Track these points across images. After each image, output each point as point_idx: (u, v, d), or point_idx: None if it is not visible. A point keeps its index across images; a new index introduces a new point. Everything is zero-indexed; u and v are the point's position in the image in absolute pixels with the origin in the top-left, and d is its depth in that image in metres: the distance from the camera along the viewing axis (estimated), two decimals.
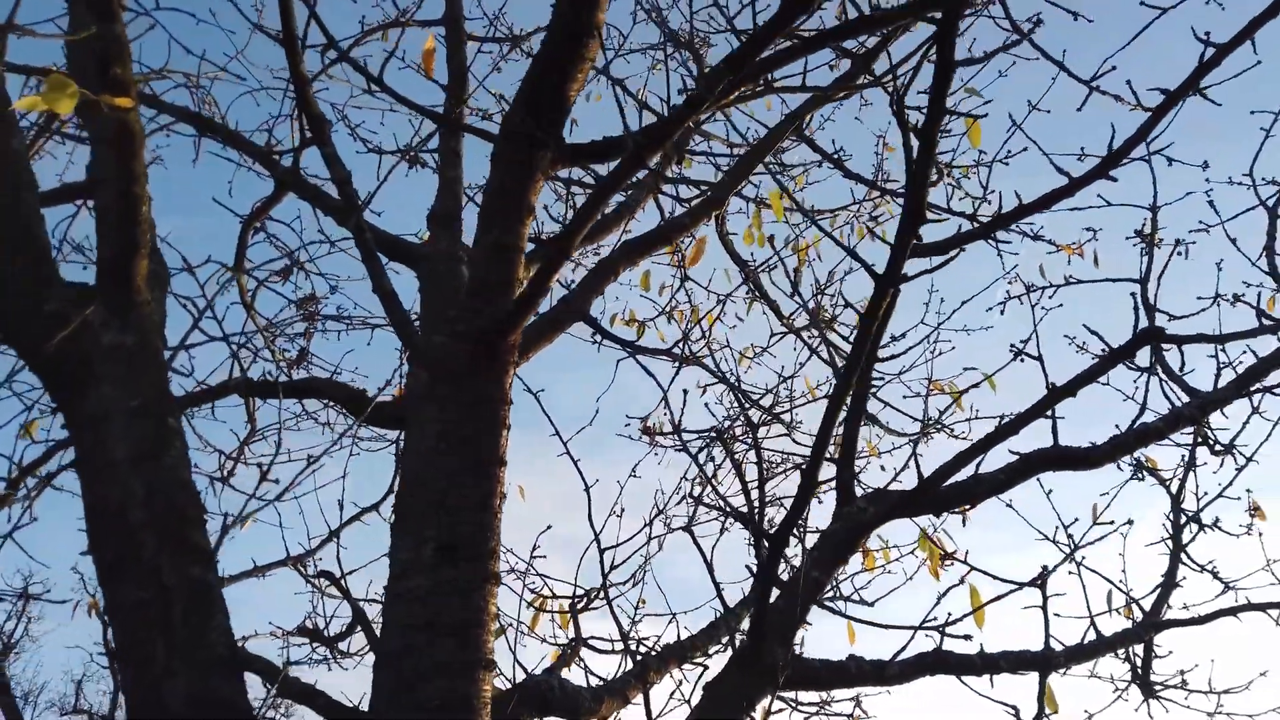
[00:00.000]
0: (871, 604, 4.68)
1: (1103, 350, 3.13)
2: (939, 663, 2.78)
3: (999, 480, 2.80)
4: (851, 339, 2.46)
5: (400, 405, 3.49)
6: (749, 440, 4.93)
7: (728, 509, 2.74)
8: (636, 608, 4.29)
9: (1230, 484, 3.87)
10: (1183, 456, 3.91)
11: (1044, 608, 3.09)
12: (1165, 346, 2.86)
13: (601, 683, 3.68)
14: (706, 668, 4.32)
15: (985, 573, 3.04)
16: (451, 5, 4.62)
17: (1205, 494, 3.82)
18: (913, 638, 2.74)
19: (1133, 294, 3.28)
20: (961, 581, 2.87)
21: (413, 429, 3.26)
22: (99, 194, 3.12)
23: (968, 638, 2.74)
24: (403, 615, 2.72)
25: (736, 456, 5.06)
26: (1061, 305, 3.12)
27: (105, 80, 2.35)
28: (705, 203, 3.86)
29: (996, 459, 2.88)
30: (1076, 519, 3.31)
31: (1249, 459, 3.79)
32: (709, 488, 5.21)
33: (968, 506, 2.82)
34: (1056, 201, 2.56)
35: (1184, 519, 3.89)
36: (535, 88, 2.63)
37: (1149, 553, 3.45)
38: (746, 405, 4.16)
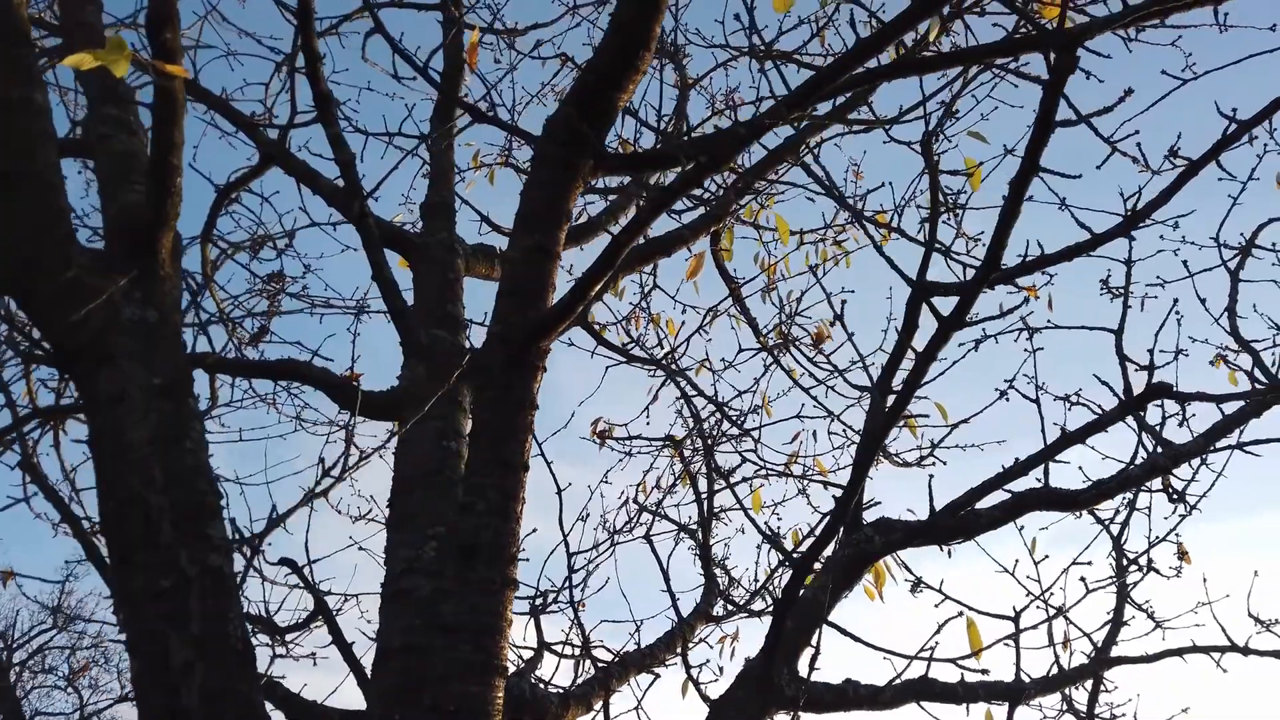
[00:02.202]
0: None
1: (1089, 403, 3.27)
2: (926, 690, 2.86)
3: (995, 517, 2.89)
4: (879, 380, 2.50)
5: (394, 396, 3.42)
6: (703, 449, 4.99)
7: (758, 528, 2.75)
8: (575, 615, 4.28)
9: (1173, 530, 4.08)
10: (1124, 499, 4.10)
11: (1016, 641, 3.20)
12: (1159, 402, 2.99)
13: (566, 689, 3.68)
14: (659, 676, 4.39)
15: (962, 604, 3.14)
16: None
17: (1155, 536, 4.00)
18: (910, 664, 2.82)
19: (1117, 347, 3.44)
20: (959, 615, 2.95)
21: (411, 423, 3.21)
22: (98, 155, 3.00)
23: (985, 671, 2.83)
24: (407, 614, 2.68)
25: (691, 466, 5.14)
26: (1042, 349, 3.22)
27: (156, 45, 2.26)
28: (705, 218, 3.88)
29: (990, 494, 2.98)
30: (1047, 556, 3.43)
31: (1191, 508, 3.99)
32: (665, 496, 5.26)
33: (963, 540, 2.90)
34: (1077, 254, 2.66)
35: (1125, 561, 4.08)
36: (587, 92, 2.61)
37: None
38: (729, 421, 4.16)
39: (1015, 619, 3.23)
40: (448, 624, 2.44)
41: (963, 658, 2.81)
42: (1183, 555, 4.47)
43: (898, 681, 2.81)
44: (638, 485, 5.23)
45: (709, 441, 4.94)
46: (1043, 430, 3.01)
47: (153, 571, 2.17)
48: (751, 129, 2.32)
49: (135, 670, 2.13)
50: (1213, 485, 3.87)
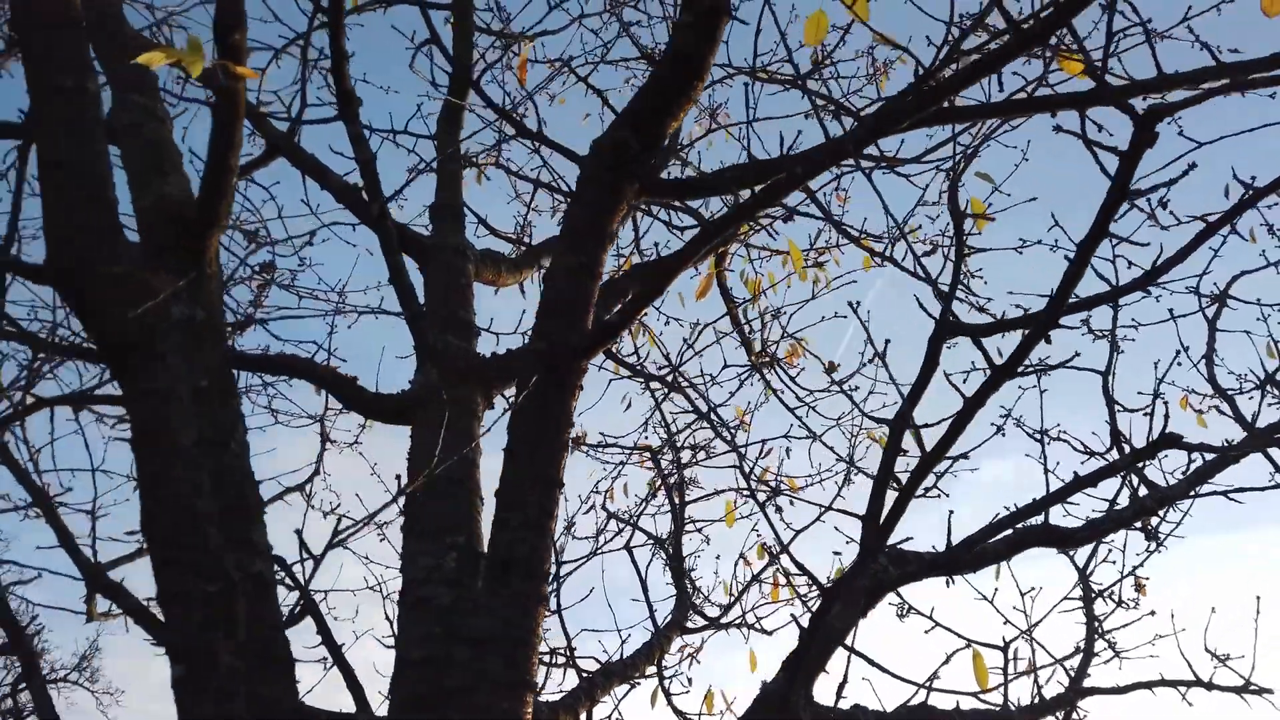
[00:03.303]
0: (771, 633, 4.88)
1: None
2: (926, 716, 2.94)
3: (999, 551, 2.99)
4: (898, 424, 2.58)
5: (405, 400, 3.40)
6: (675, 462, 5.05)
7: (787, 553, 2.80)
8: (562, 624, 4.31)
9: (1140, 564, 4.25)
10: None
11: (1004, 671, 3.31)
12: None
13: (554, 700, 3.70)
14: (634, 686, 4.44)
15: (957, 633, 3.23)
16: None
17: (1125, 568, 4.16)
18: (917, 692, 2.91)
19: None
20: (968, 645, 3.04)
21: (427, 429, 3.20)
22: (125, 143, 2.94)
23: (976, 694, 2.93)
24: (428, 623, 2.67)
25: (669, 478, 5.19)
26: (1047, 390, 3.33)
27: (223, 46, 2.23)
28: (714, 239, 3.92)
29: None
30: (1034, 587, 3.56)
31: (1160, 544, 4.17)
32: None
33: (969, 572, 2.99)
34: (1097, 305, 2.77)
35: (1092, 594, 4.25)
36: (639, 117, 2.64)
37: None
38: (722, 439, 4.23)
39: (1004, 649, 3.35)
40: (478, 637, 2.45)
41: (978, 693, 2.91)
42: (1139, 588, 4.66)
43: (902, 709, 2.89)
44: (605, 492, 5.27)
45: (679, 452, 5.01)
46: (1045, 469, 3.12)
47: (199, 576, 2.15)
48: (809, 167, 2.37)
49: (177, 675, 2.11)
50: (1179, 524, 4.05)
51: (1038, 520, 3.05)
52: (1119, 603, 4.18)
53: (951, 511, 2.84)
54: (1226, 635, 3.89)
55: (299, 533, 1.94)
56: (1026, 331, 2.20)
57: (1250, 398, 4.13)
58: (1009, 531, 3.08)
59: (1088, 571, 4.29)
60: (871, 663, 2.71)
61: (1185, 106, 1.88)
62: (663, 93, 2.62)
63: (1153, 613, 4.32)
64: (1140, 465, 3.15)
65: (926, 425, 2.97)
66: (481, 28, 4.65)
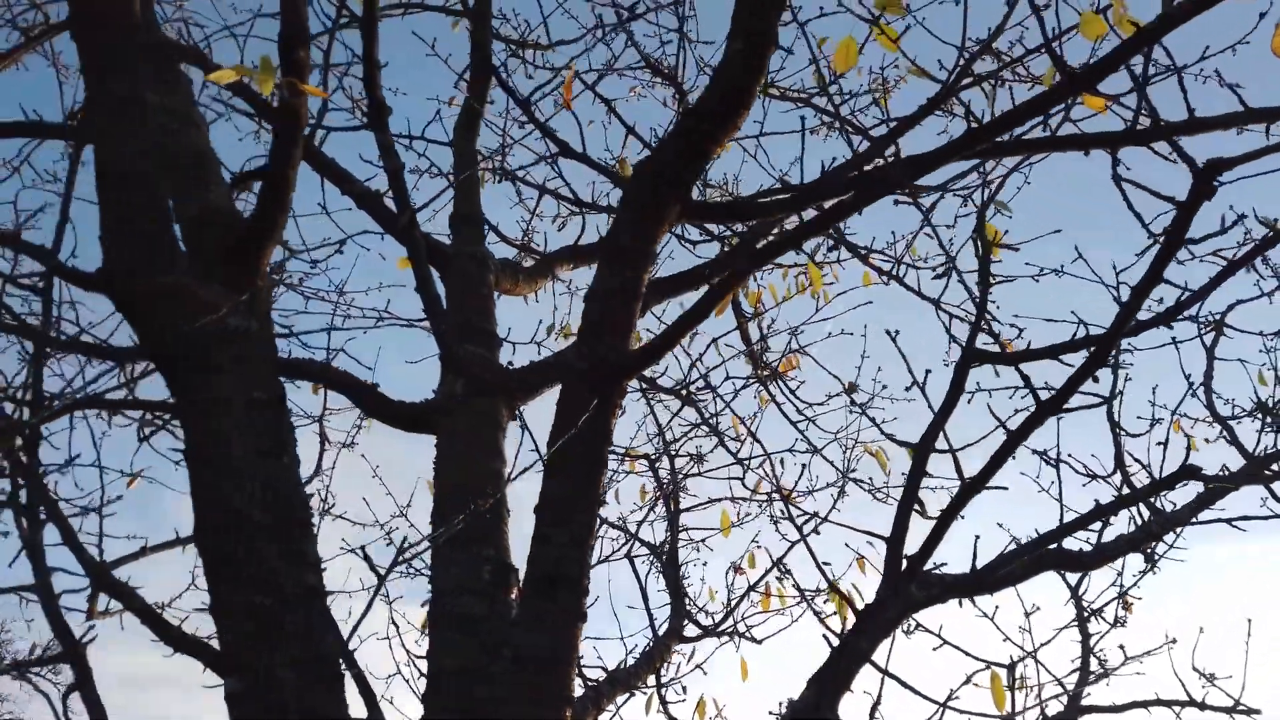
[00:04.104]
0: (760, 641, 4.95)
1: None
2: None
3: (1017, 573, 3.07)
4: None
5: (425, 408, 3.42)
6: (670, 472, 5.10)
7: (825, 576, 2.85)
8: None
9: (1134, 584, 4.36)
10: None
11: (1011, 689, 3.39)
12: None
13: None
14: (633, 694, 4.48)
15: (966, 652, 3.31)
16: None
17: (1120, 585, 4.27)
18: (940, 712, 2.97)
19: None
20: (987, 666, 3.11)
21: (454, 439, 3.22)
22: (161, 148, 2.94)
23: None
24: (462, 635, 2.70)
25: (665, 487, 5.24)
26: (1063, 417, 3.42)
27: (288, 63, 2.25)
28: (733, 254, 3.97)
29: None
30: (1036, 606, 3.64)
31: (1153, 564, 4.28)
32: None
33: (988, 594, 3.07)
34: (1121, 337, 2.86)
35: (1086, 613, 4.35)
36: (683, 139, 2.68)
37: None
38: (727, 450, 4.28)
39: (1011, 668, 3.43)
40: (520, 652, 2.48)
41: (1001, 718, 2.98)
42: (1126, 606, 4.78)
43: None
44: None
45: (674, 460, 5.06)
46: (1060, 494, 3.21)
47: (253, 588, 2.16)
48: (861, 196, 2.42)
49: (232, 689, 2.12)
50: (1171, 546, 4.17)
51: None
52: (1112, 624, 4.29)
53: (978, 536, 2.91)
54: (1227, 638, 3.99)
55: (363, 549, 1.96)
56: (1074, 368, 2.27)
57: (1241, 423, 4.29)
58: (1029, 557, 3.16)
59: (1080, 590, 4.41)
60: (902, 683, 2.77)
61: (1244, 161, 1.95)
62: (709, 117, 2.66)
63: (1124, 621, 4.44)
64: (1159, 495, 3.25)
65: (956, 449, 3.06)
66: (498, 34, 4.69)
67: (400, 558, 1.92)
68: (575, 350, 2.74)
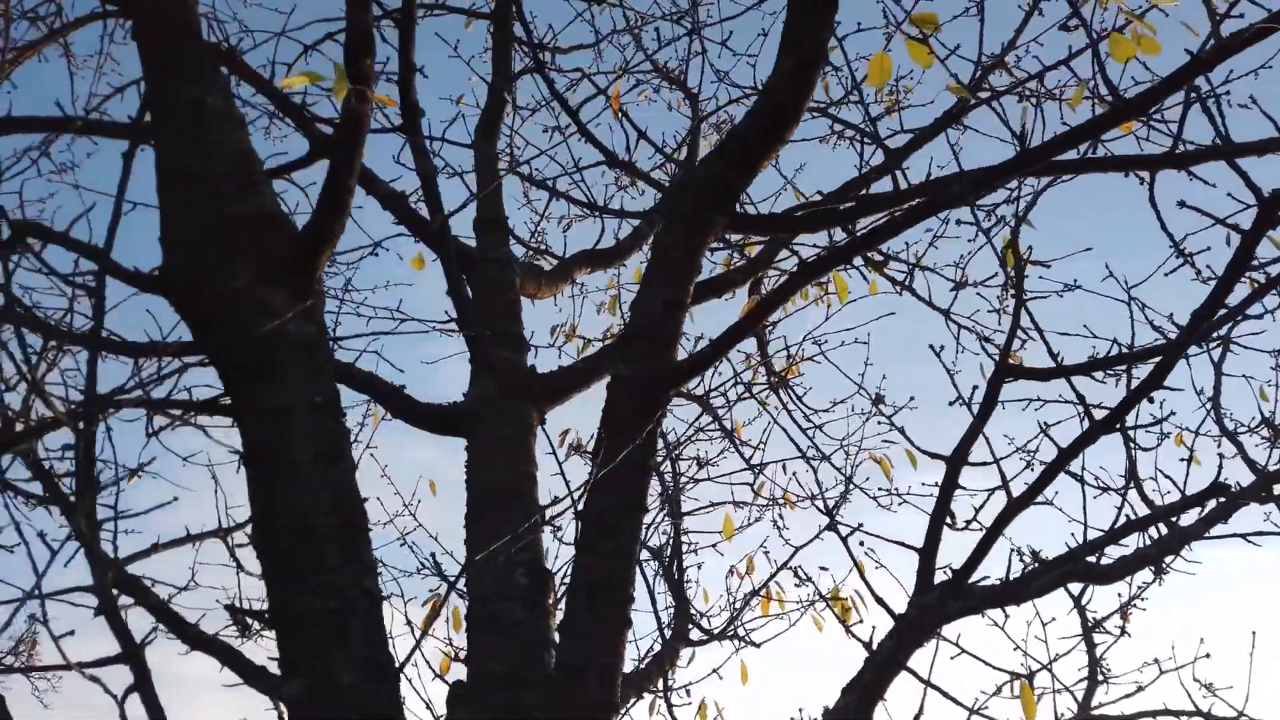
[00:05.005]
0: (759, 645, 4.99)
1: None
2: None
3: (1043, 585, 3.12)
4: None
5: (454, 411, 3.42)
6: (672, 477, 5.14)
7: (868, 587, 2.90)
8: None
9: (1138, 595, 4.44)
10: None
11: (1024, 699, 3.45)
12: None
13: None
14: (640, 698, 4.51)
15: (989, 664, 3.36)
16: (502, 3, 4.55)
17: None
18: (970, 718, 3.03)
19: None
20: (1014, 678, 3.16)
21: (486, 442, 3.23)
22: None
23: None
24: (502, 641, 2.71)
25: (668, 490, 5.27)
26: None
27: (354, 71, 2.26)
28: (753, 264, 4.01)
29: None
30: (1054, 618, 3.71)
31: (1158, 575, 4.36)
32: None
33: (1015, 605, 3.12)
34: (1147, 358, 2.92)
35: (1091, 623, 4.43)
36: (732, 153, 2.72)
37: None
38: (741, 456, 4.32)
39: (1029, 678, 3.49)
40: (567, 660, 2.50)
41: None
42: (1125, 616, 4.86)
43: None
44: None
45: (676, 467, 5.09)
46: (1084, 507, 3.27)
47: (317, 593, 2.17)
48: (911, 215, 2.47)
49: (294, 692, 2.13)
50: (1189, 560, 4.25)
51: None
52: (1117, 635, 4.37)
53: (1015, 550, 2.96)
54: (1236, 647, 4.06)
55: (433, 556, 1.98)
56: (1130, 388, 2.32)
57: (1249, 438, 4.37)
58: (1053, 572, 3.22)
59: (1084, 601, 4.48)
60: (942, 693, 2.82)
61: None
62: (758, 131, 2.70)
63: (1124, 630, 4.52)
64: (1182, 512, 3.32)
65: (982, 463, 3.11)
66: (519, 39, 4.70)
67: (461, 574, 1.94)
68: (621, 358, 2.77)
